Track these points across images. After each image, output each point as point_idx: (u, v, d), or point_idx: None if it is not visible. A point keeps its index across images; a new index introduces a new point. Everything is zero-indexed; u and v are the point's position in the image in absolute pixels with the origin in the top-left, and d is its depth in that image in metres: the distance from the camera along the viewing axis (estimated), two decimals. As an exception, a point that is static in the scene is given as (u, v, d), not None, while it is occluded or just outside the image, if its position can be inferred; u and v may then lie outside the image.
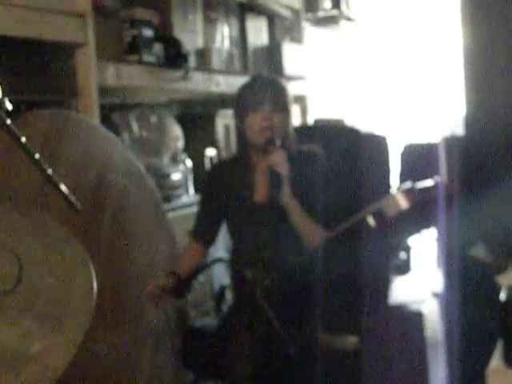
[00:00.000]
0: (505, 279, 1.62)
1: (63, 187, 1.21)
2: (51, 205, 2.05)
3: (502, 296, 1.58)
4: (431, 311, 2.53)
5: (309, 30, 5.17)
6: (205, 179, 2.62)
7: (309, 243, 2.35)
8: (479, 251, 2.16)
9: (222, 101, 3.96)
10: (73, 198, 1.22)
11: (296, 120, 4.79)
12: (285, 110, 2.39)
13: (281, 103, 2.38)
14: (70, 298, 0.74)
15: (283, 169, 2.31)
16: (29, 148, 1.12)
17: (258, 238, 2.40)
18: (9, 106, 1.19)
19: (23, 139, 1.11)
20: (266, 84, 2.43)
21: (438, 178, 2.05)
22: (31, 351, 0.68)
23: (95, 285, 0.78)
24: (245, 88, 2.45)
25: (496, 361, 1.58)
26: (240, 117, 2.42)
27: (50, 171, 1.18)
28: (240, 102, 2.43)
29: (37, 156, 1.14)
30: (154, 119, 3.46)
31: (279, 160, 2.31)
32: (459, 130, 2.48)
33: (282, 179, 2.31)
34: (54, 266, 0.77)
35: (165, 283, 2.36)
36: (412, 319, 2.36)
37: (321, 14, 5.27)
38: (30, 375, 0.67)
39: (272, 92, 2.39)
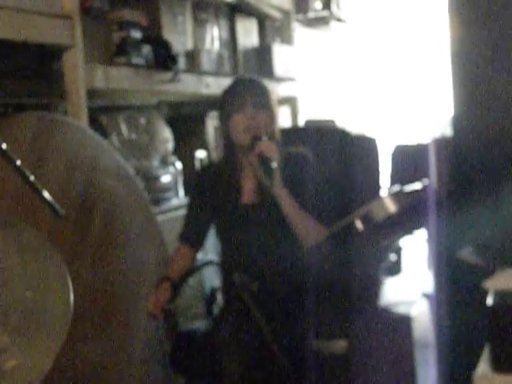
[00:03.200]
0: (492, 284, 1.62)
1: (46, 193, 1.19)
2: (39, 209, 2.04)
3: (489, 301, 1.58)
4: (421, 313, 2.53)
5: (299, 31, 5.17)
6: (193, 182, 2.62)
7: (305, 237, 2.34)
8: (468, 254, 2.15)
9: (212, 102, 3.95)
10: (56, 204, 1.21)
11: (286, 121, 4.79)
12: (268, 110, 2.40)
13: (263, 103, 2.39)
14: (46, 312, 0.73)
15: (273, 154, 2.30)
16: (10, 155, 1.11)
17: (246, 240, 2.40)
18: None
19: (4, 146, 1.09)
20: (247, 85, 2.44)
21: (426, 181, 2.05)
22: (5, 368, 0.67)
23: (72, 298, 0.77)
24: (227, 91, 2.46)
25: (483, 366, 1.58)
26: (224, 119, 2.43)
27: (32, 178, 1.17)
28: (223, 105, 2.44)
29: (18, 163, 1.13)
30: (143, 121, 3.45)
31: (268, 147, 2.31)
32: (449, 131, 2.48)
33: (273, 165, 2.29)
34: (31, 278, 0.76)
35: (163, 298, 2.35)
36: (400, 322, 2.36)
37: (311, 14, 5.27)
38: (3, 392, 0.66)
39: (254, 92, 2.39)
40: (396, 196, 1.87)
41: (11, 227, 0.89)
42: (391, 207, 1.84)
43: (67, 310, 0.75)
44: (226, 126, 2.43)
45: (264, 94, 2.41)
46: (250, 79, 2.51)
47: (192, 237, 2.53)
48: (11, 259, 0.77)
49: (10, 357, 0.67)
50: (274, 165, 2.29)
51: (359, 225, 1.85)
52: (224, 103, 2.44)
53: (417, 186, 1.98)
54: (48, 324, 0.72)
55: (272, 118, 2.41)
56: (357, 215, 1.87)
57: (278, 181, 2.32)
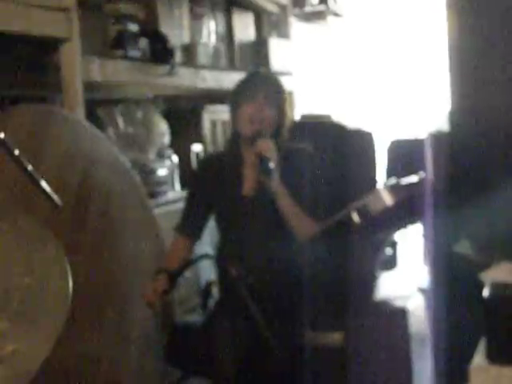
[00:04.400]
0: (488, 276, 1.62)
1: (43, 183, 1.20)
2: (35, 201, 2.03)
3: (485, 293, 1.58)
4: (417, 307, 2.54)
5: (296, 26, 5.16)
6: (193, 173, 2.62)
7: (298, 233, 2.36)
8: (464, 247, 2.16)
9: (209, 96, 3.95)
10: (53, 194, 1.21)
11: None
12: (277, 106, 2.42)
13: (274, 98, 2.41)
14: (45, 298, 0.74)
15: (271, 154, 2.32)
16: (8, 144, 1.11)
17: (245, 232, 2.40)
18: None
19: (2, 135, 1.09)
20: (262, 79, 2.48)
21: (422, 174, 2.05)
22: (3, 352, 0.67)
23: (71, 284, 0.77)
24: (241, 82, 2.50)
25: (478, 357, 1.59)
26: (234, 109, 2.45)
27: (30, 167, 1.17)
28: (235, 95, 2.47)
29: (16, 152, 1.13)
30: (139, 115, 3.45)
31: (267, 146, 2.32)
32: (446, 125, 2.48)
33: (271, 165, 2.31)
34: (30, 265, 0.76)
35: (160, 287, 2.35)
36: (396, 315, 2.37)
37: (308, 9, 5.27)
38: (2, 377, 0.66)
39: (266, 86, 2.43)
40: (393, 189, 1.87)
41: (9, 214, 0.89)
42: (388, 200, 1.85)
43: (66, 296, 0.75)
44: (235, 116, 2.45)
45: (277, 90, 2.45)
46: (266, 74, 2.57)
47: (190, 228, 2.52)
48: (10, 246, 0.77)
49: (10, 341, 0.67)
50: (272, 165, 2.31)
51: (356, 217, 1.85)
52: (236, 93, 2.47)
53: (413, 179, 1.98)
54: (47, 309, 0.72)
55: (280, 115, 2.43)
56: (354, 208, 1.87)
57: (275, 180, 2.33)
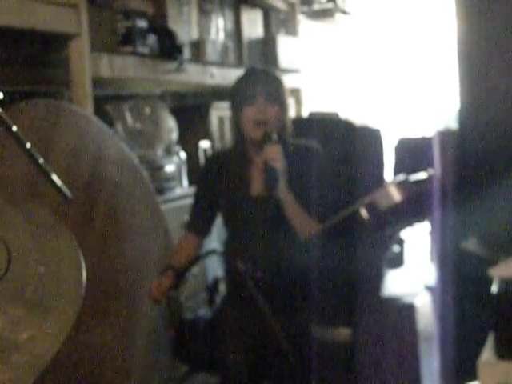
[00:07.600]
0: (497, 272, 1.62)
1: (54, 177, 1.20)
2: (45, 194, 2.04)
3: (494, 289, 1.59)
4: (424, 304, 2.54)
5: (304, 23, 5.17)
6: (200, 171, 2.62)
7: (301, 234, 2.36)
8: (472, 244, 2.16)
9: (217, 93, 3.96)
10: (64, 188, 1.22)
11: (291, 113, 4.79)
12: (279, 103, 2.39)
13: (275, 96, 2.38)
14: (59, 287, 0.74)
15: (279, 163, 2.31)
16: (20, 137, 1.12)
17: (252, 230, 2.41)
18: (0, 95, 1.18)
19: (14, 128, 1.10)
20: (259, 77, 2.43)
21: (431, 171, 2.05)
22: (19, 340, 0.67)
23: (84, 274, 0.78)
24: (239, 81, 2.46)
25: (487, 353, 1.59)
26: (235, 110, 2.43)
27: (41, 160, 1.18)
28: (235, 96, 2.45)
29: (28, 145, 1.13)
30: (148, 111, 3.45)
31: (275, 155, 2.31)
32: (453, 123, 2.48)
33: (278, 174, 2.31)
34: (44, 254, 0.77)
35: (165, 283, 2.36)
36: (404, 311, 2.37)
37: (316, 6, 5.27)
38: (18, 364, 0.67)
39: (266, 85, 2.39)
40: (401, 185, 1.87)
41: (22, 204, 0.90)
42: (396, 196, 1.85)
43: (80, 285, 0.76)
44: (237, 118, 2.42)
45: (276, 85, 2.42)
46: (263, 70, 2.53)
47: (199, 225, 2.53)
48: (24, 235, 0.78)
49: (24, 329, 0.68)
50: (279, 175, 2.30)
51: (364, 213, 1.85)
52: (235, 94, 2.44)
53: (422, 175, 1.99)
54: (62, 298, 0.73)
55: (283, 110, 2.41)
56: (362, 204, 1.87)
57: (282, 186, 2.33)
